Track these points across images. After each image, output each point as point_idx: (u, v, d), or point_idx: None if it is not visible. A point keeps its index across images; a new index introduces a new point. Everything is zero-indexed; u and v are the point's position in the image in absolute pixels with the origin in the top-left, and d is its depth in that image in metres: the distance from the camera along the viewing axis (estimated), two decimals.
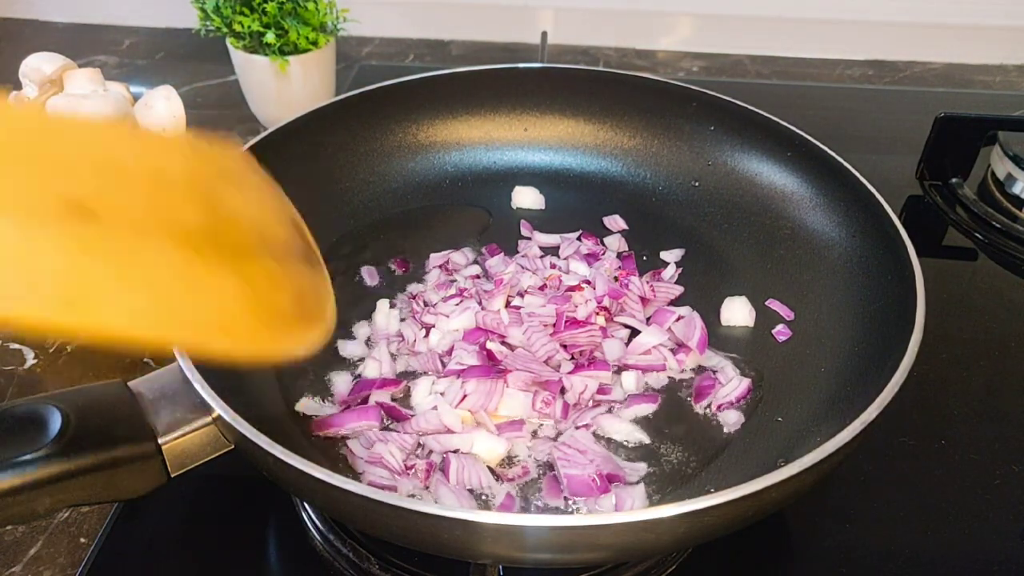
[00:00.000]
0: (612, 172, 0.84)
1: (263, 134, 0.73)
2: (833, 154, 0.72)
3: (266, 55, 0.99)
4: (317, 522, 0.61)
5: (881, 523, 0.63)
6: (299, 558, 0.60)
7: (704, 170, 0.81)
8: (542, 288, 0.71)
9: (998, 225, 0.91)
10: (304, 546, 0.60)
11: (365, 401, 0.63)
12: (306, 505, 0.62)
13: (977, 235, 0.91)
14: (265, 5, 0.97)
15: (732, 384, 0.65)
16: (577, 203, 0.83)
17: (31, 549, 0.61)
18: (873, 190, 0.68)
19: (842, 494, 0.64)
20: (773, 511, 0.53)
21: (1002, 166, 0.95)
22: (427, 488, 0.57)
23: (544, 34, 1.15)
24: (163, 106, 0.87)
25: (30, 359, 0.76)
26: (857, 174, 0.69)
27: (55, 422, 0.47)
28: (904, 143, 1.00)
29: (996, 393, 0.73)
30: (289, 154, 0.75)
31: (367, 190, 0.81)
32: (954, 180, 0.97)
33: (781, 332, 0.70)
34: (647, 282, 0.73)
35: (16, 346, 0.77)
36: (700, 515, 0.44)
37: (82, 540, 0.61)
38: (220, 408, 0.49)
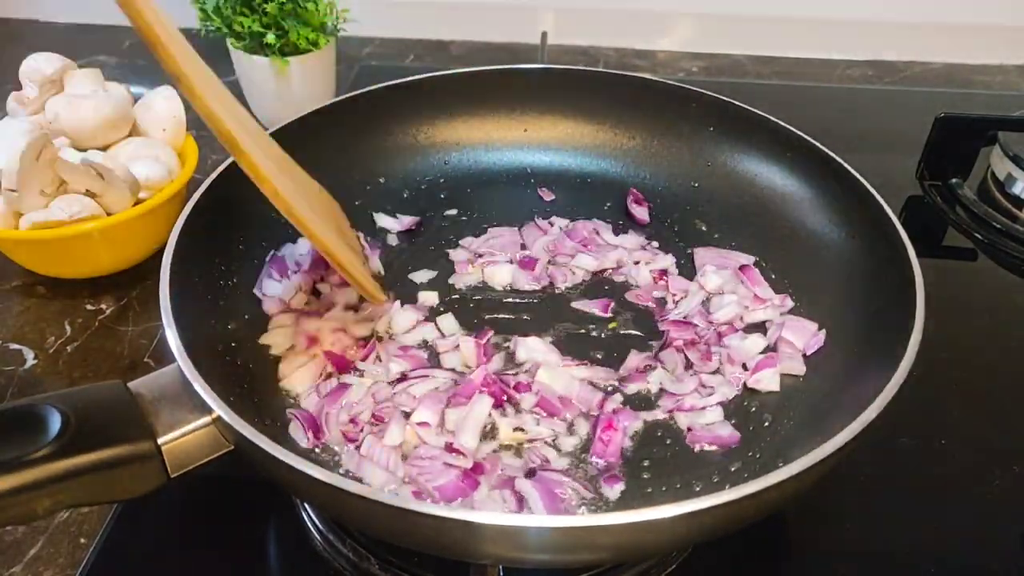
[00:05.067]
0: (612, 173, 0.84)
1: None
2: (833, 155, 0.72)
3: (266, 56, 0.99)
4: (317, 522, 0.61)
5: (881, 523, 0.63)
6: (299, 558, 0.60)
7: (704, 171, 0.81)
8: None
9: (998, 225, 0.91)
10: (304, 546, 0.60)
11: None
12: (306, 505, 0.62)
13: (977, 235, 0.91)
14: (265, 5, 0.97)
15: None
16: (577, 203, 0.83)
17: (31, 549, 0.61)
18: (873, 191, 0.67)
19: (842, 494, 0.64)
20: (773, 511, 0.53)
21: (1002, 166, 0.95)
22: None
23: (544, 34, 1.15)
24: (163, 106, 0.87)
25: (30, 359, 0.76)
26: (857, 175, 0.69)
27: (55, 422, 0.47)
28: (904, 143, 1.00)
29: (996, 393, 0.74)
30: (289, 154, 0.75)
31: (367, 191, 0.81)
32: (954, 180, 0.97)
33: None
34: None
35: (16, 346, 0.77)
36: (700, 515, 0.44)
37: (82, 540, 0.61)
38: (220, 408, 0.49)
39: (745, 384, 0.65)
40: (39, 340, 0.78)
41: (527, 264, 0.76)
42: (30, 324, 0.80)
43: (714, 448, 0.61)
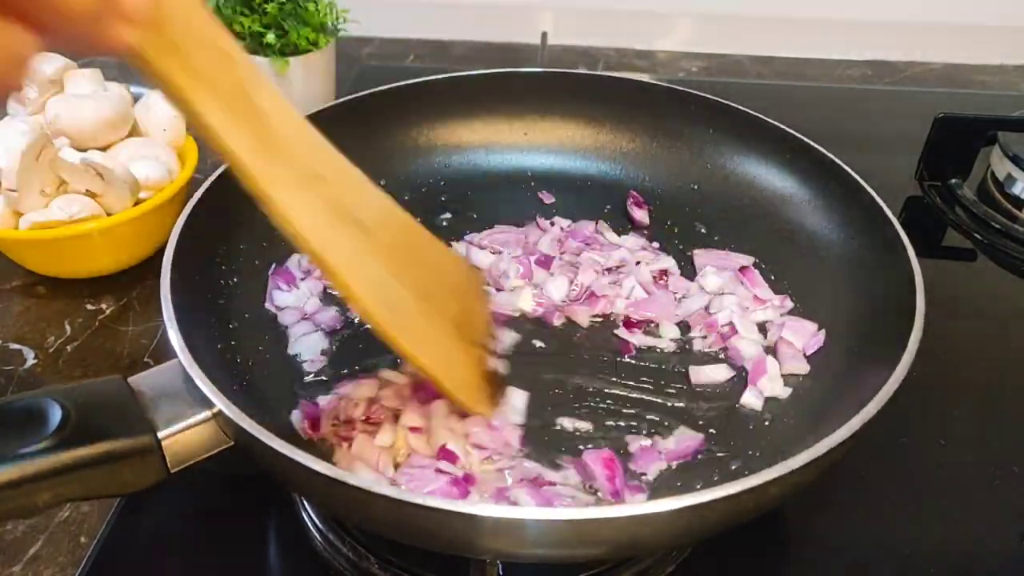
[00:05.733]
0: (612, 175, 0.84)
1: None
2: (832, 157, 0.72)
3: (266, 56, 0.99)
4: (317, 521, 0.61)
5: (881, 523, 0.63)
6: (299, 557, 0.60)
7: (703, 173, 0.81)
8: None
9: (997, 226, 0.91)
10: (304, 545, 0.60)
11: None
12: (306, 504, 0.62)
13: (976, 235, 0.91)
14: (265, 5, 0.97)
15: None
16: (577, 206, 0.83)
17: (31, 548, 0.61)
18: (872, 192, 0.67)
19: (842, 493, 0.64)
20: (773, 507, 0.53)
21: (1002, 166, 0.95)
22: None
23: (544, 34, 1.15)
24: (163, 107, 0.87)
25: (30, 359, 0.76)
26: (857, 177, 0.69)
27: (55, 416, 0.47)
28: (904, 143, 1.00)
29: (996, 393, 0.74)
30: None
31: None
32: (953, 180, 0.97)
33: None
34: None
35: (16, 346, 0.77)
36: (699, 510, 0.44)
37: (82, 539, 0.61)
38: (220, 402, 0.49)
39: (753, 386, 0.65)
40: (39, 340, 0.78)
41: (544, 263, 0.76)
42: (30, 324, 0.80)
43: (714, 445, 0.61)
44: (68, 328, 0.79)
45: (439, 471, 0.57)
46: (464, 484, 0.57)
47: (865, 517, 0.63)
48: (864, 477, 0.65)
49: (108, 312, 0.81)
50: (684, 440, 0.61)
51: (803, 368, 0.66)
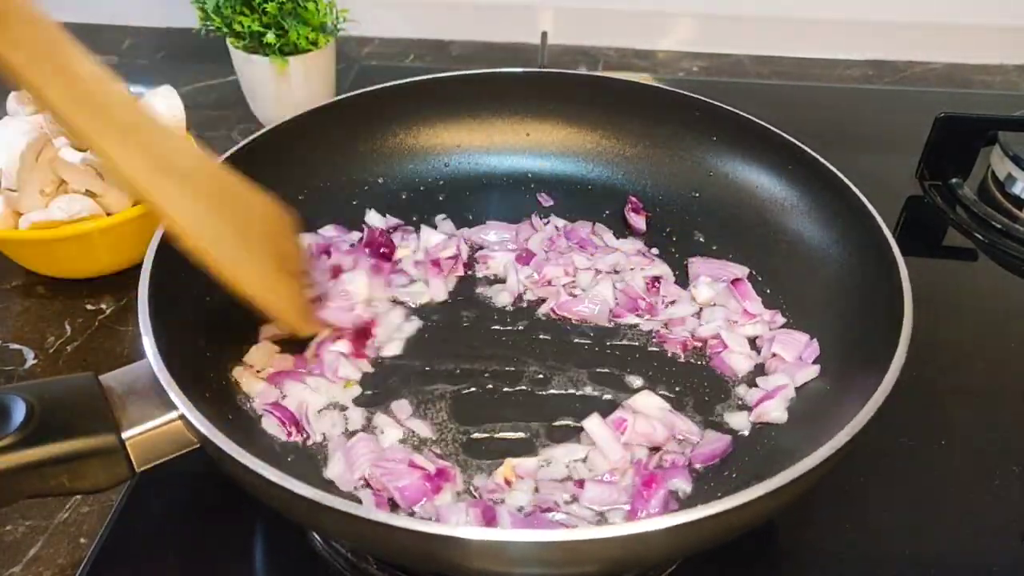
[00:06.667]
0: (612, 180, 0.84)
1: (260, 132, 0.73)
2: (833, 169, 0.70)
3: (266, 55, 0.99)
4: None
5: (880, 523, 0.63)
6: (298, 556, 0.60)
7: (705, 180, 0.80)
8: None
9: (998, 225, 0.91)
10: (303, 545, 0.60)
11: None
12: None
13: (977, 235, 0.91)
14: (265, 5, 0.97)
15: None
16: (576, 210, 0.83)
17: (31, 549, 0.61)
18: (870, 207, 0.66)
19: (840, 495, 0.64)
20: (762, 522, 0.53)
21: (1002, 166, 0.95)
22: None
23: (544, 34, 1.15)
24: (163, 106, 0.87)
25: (30, 359, 0.76)
26: (856, 190, 0.68)
27: (19, 412, 0.47)
28: (904, 143, 1.00)
29: (996, 394, 0.74)
30: (287, 153, 0.75)
31: (365, 191, 0.81)
32: (954, 180, 0.97)
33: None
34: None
35: (16, 346, 0.77)
36: (688, 528, 0.44)
37: (82, 540, 0.61)
38: (184, 406, 0.49)
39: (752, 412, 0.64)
40: (39, 340, 0.78)
41: (524, 259, 0.75)
42: (30, 324, 0.80)
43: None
44: (68, 328, 0.79)
45: (413, 465, 0.57)
46: (436, 480, 0.57)
47: (864, 516, 0.63)
48: (864, 477, 0.65)
49: (108, 312, 0.81)
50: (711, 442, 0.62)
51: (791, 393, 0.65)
